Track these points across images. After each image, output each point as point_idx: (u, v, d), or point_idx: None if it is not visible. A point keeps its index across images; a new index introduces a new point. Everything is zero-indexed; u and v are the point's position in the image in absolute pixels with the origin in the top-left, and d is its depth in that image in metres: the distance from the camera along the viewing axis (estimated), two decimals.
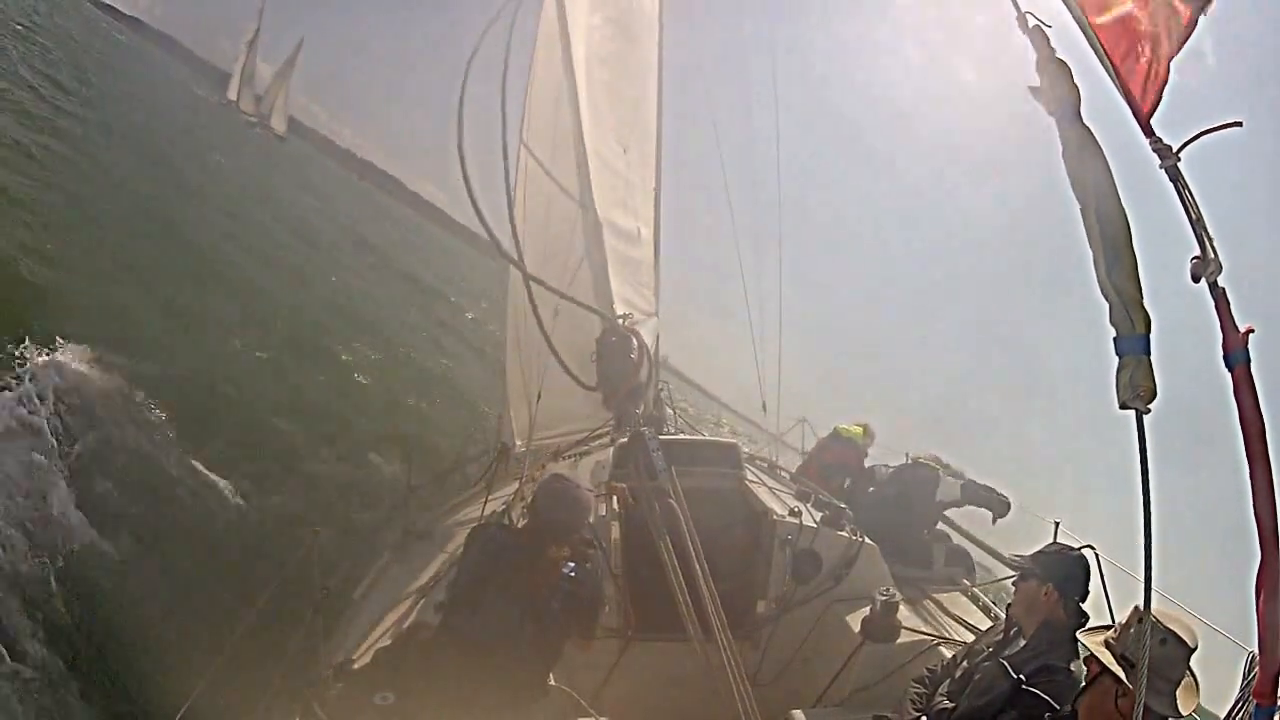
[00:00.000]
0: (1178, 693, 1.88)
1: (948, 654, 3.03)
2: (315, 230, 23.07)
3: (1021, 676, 2.26)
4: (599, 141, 4.27)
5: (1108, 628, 2.16)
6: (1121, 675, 1.90)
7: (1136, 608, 1.97)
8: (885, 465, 5.35)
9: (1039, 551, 2.64)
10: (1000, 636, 2.59)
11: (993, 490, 5.04)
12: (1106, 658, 1.96)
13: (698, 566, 2.53)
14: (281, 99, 56.65)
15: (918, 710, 2.61)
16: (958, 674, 2.58)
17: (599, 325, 3.66)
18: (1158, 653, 1.86)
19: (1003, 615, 3.07)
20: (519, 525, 2.61)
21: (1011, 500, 5.04)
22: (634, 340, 2.83)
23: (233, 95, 56.03)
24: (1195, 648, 1.92)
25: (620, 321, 2.98)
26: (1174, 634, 1.89)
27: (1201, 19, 1.29)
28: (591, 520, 3.40)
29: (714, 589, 2.54)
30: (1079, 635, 2.15)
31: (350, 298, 16.69)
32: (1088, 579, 2.56)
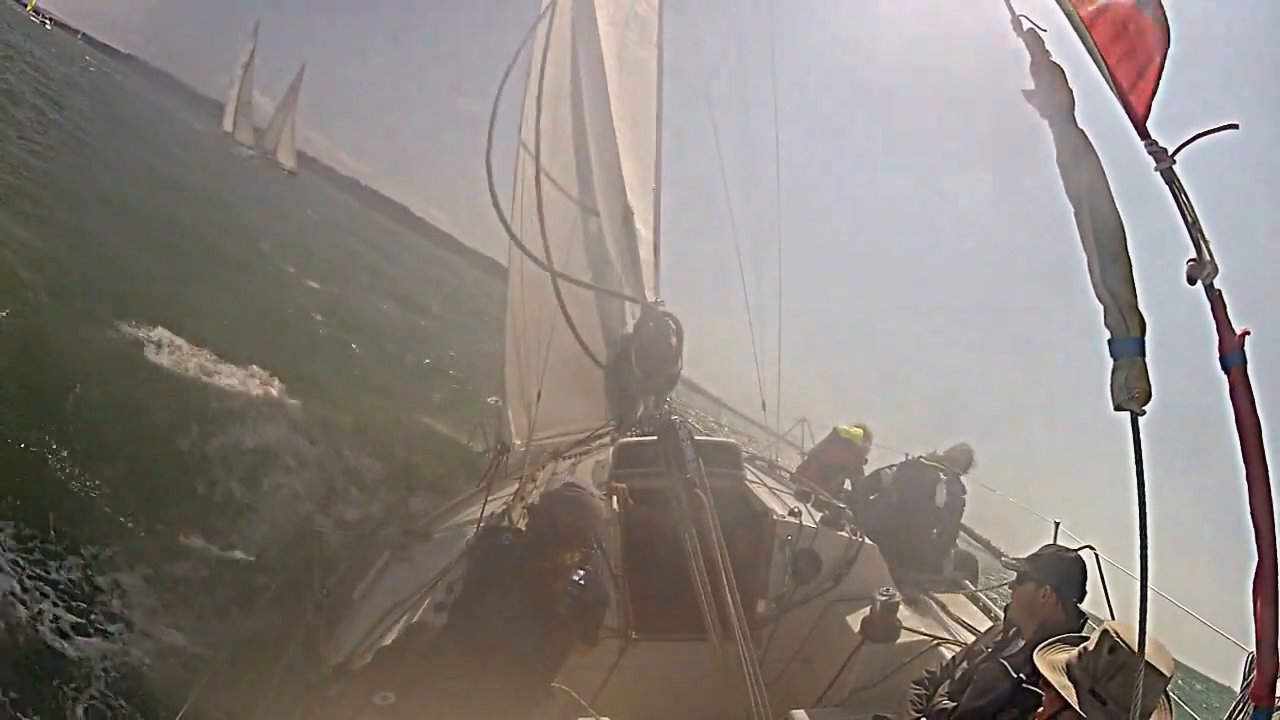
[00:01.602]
0: None
1: (948, 655, 3.03)
2: (314, 250, 23.13)
3: (1021, 676, 2.27)
4: (595, 141, 4.27)
5: (1075, 641, 2.01)
6: (1081, 712, 1.76)
7: (1104, 633, 1.86)
8: (890, 467, 5.32)
9: (1035, 554, 2.63)
10: (999, 638, 2.59)
11: (954, 460, 5.02)
12: (1071, 694, 1.81)
13: (721, 560, 2.52)
14: (288, 131, 51.16)
15: (918, 711, 2.62)
16: (957, 675, 2.59)
17: (608, 322, 3.64)
18: (1133, 686, 1.69)
19: (1002, 615, 3.07)
20: (525, 529, 2.61)
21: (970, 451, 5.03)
22: (672, 325, 2.80)
23: (229, 126, 49.97)
24: (1171, 676, 1.79)
25: (658, 307, 2.94)
26: (1153, 668, 1.72)
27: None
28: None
29: (734, 582, 2.52)
30: (1036, 656, 1.99)
31: (350, 308, 16.74)
32: (1085, 579, 2.55)
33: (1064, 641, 2.06)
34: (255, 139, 49.90)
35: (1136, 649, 1.50)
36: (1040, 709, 1.96)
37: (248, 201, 25.37)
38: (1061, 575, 2.48)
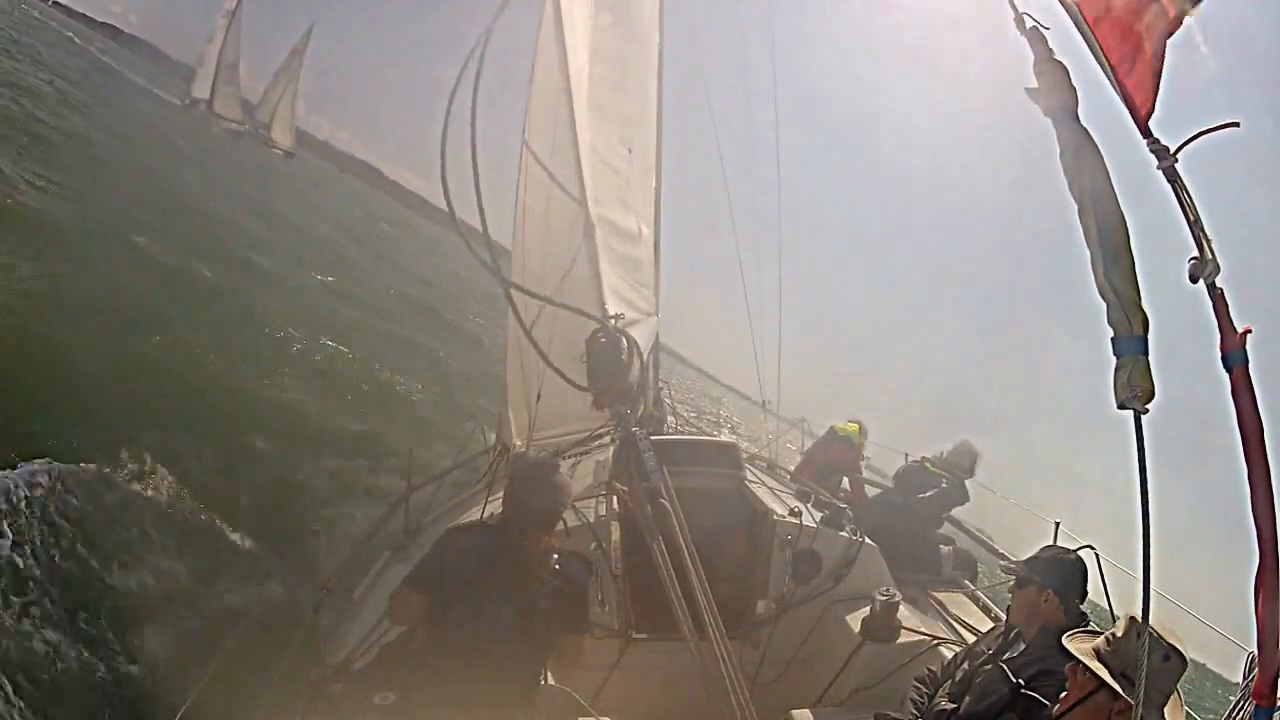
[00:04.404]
0: (1166, 710, 1.84)
1: (948, 655, 3.04)
2: (298, 228, 22.88)
3: (1020, 680, 2.26)
4: (600, 140, 4.26)
5: (1093, 633, 2.08)
6: (1120, 691, 1.82)
7: (1132, 618, 1.91)
8: (928, 461, 5.26)
9: (1035, 556, 2.62)
10: (1000, 640, 2.59)
11: (951, 474, 5.01)
12: (1104, 672, 1.88)
13: (691, 566, 2.52)
14: (286, 103, 41.78)
15: (919, 711, 2.62)
16: (958, 676, 2.58)
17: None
18: (1159, 669, 1.81)
19: (1003, 615, 3.07)
20: (496, 520, 2.57)
21: (975, 460, 5.02)
22: (624, 340, 2.81)
23: (202, 92, 38.62)
24: (1187, 664, 1.87)
25: (611, 322, 2.95)
26: (1176, 650, 1.83)
27: (1190, 19, 1.28)
28: (593, 520, 3.41)
29: (708, 589, 2.53)
30: (1065, 642, 2.05)
31: (340, 296, 16.68)
32: (1085, 580, 2.55)
33: (1084, 633, 2.11)
34: (244, 112, 40.21)
35: (1164, 636, 1.63)
36: (1064, 694, 2.01)
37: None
38: (1062, 577, 2.48)
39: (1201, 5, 1.25)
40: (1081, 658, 1.94)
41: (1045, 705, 2.18)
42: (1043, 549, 2.69)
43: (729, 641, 2.45)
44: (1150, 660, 1.81)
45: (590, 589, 2.58)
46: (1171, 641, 1.83)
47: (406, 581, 2.51)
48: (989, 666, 2.48)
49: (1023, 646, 2.45)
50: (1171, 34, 1.29)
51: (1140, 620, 1.46)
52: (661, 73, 5.57)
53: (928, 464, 5.15)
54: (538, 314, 3.53)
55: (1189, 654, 1.90)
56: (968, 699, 2.43)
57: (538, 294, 3.47)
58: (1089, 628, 2.16)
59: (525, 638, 2.38)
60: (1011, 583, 2.76)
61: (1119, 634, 1.93)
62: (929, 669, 2.79)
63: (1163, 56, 1.31)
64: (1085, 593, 2.54)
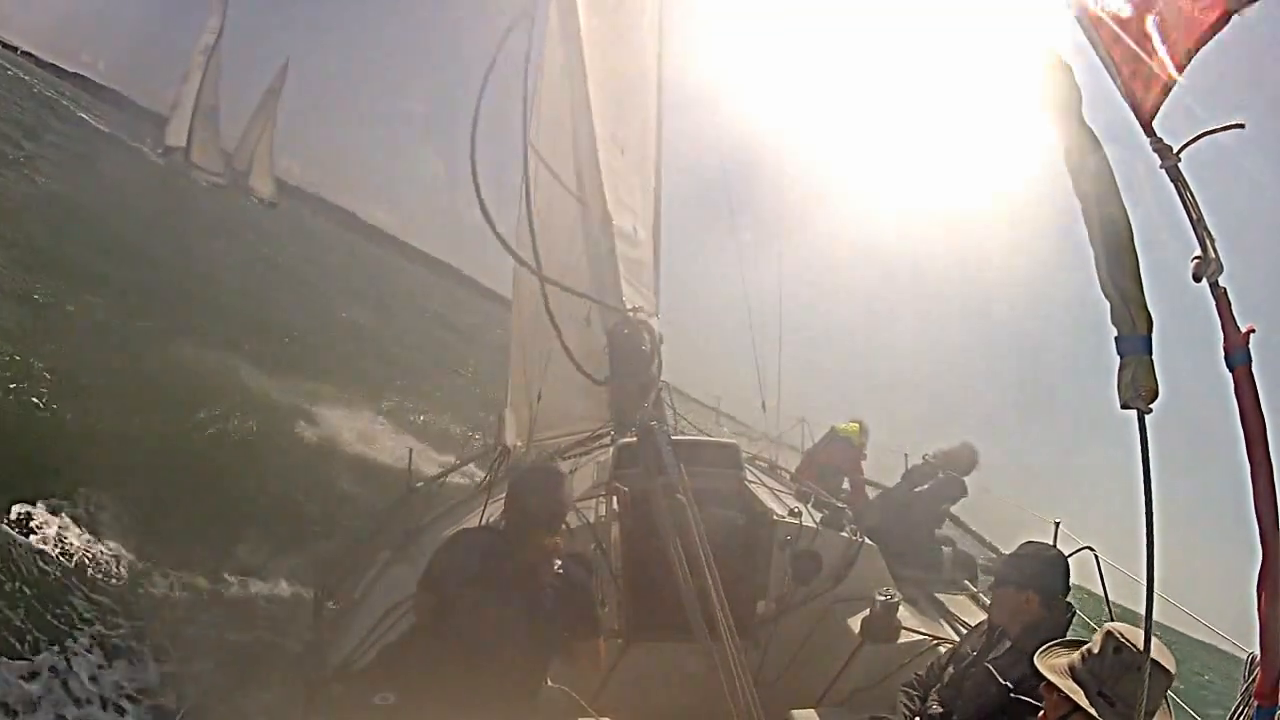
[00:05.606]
0: None
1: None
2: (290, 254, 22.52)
3: (1009, 683, 2.25)
4: (598, 141, 4.26)
5: (1072, 645, 1.99)
6: (1097, 714, 1.74)
7: (1109, 633, 1.85)
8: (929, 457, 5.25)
9: (1014, 554, 2.60)
10: (984, 639, 2.56)
11: (950, 472, 4.99)
12: (1079, 694, 1.79)
13: (705, 565, 2.52)
14: (264, 147, 37.90)
15: (910, 714, 2.60)
16: (945, 678, 2.57)
17: (602, 322, 3.62)
18: (1140, 685, 1.70)
19: None
20: (499, 523, 2.58)
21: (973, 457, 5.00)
22: (645, 333, 2.79)
23: (177, 140, 34.61)
24: (1174, 675, 1.79)
25: (632, 314, 2.94)
26: (1158, 664, 1.73)
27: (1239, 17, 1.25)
28: (593, 520, 3.41)
29: (721, 588, 2.53)
30: (1037, 660, 1.96)
31: (339, 313, 16.70)
32: (1067, 576, 2.51)
33: (1061, 645, 2.04)
34: (213, 159, 36.14)
35: (1142, 646, 1.49)
36: (1042, 713, 1.94)
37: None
38: (1043, 577, 2.45)
39: (1254, 6, 1.22)
40: (1054, 679, 1.86)
41: (1036, 707, 2.17)
42: (1021, 545, 2.64)
43: (739, 642, 2.44)
44: (1129, 678, 1.76)
45: (593, 590, 2.58)
46: (1154, 655, 1.72)
47: (418, 584, 2.53)
48: (975, 669, 2.46)
49: (1008, 645, 2.43)
50: (1204, 41, 1.27)
51: (1144, 622, 1.44)
52: (661, 70, 5.57)
53: (927, 458, 5.16)
54: (568, 319, 3.49)
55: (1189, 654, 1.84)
56: (960, 704, 2.42)
57: (570, 288, 3.40)
58: (1066, 639, 2.09)
59: (527, 640, 2.38)
60: (988, 588, 2.74)
61: (1095, 650, 1.86)
62: (916, 674, 2.77)
63: (1180, 60, 1.29)
64: (1068, 588, 2.50)
